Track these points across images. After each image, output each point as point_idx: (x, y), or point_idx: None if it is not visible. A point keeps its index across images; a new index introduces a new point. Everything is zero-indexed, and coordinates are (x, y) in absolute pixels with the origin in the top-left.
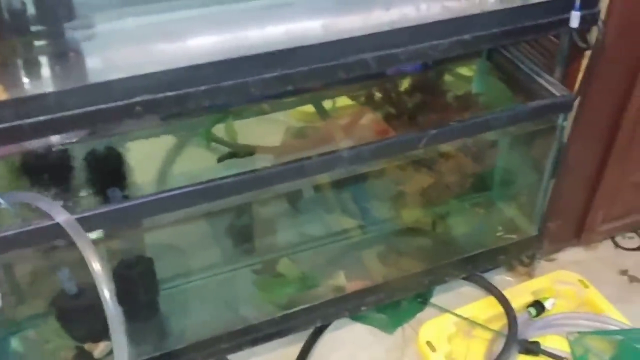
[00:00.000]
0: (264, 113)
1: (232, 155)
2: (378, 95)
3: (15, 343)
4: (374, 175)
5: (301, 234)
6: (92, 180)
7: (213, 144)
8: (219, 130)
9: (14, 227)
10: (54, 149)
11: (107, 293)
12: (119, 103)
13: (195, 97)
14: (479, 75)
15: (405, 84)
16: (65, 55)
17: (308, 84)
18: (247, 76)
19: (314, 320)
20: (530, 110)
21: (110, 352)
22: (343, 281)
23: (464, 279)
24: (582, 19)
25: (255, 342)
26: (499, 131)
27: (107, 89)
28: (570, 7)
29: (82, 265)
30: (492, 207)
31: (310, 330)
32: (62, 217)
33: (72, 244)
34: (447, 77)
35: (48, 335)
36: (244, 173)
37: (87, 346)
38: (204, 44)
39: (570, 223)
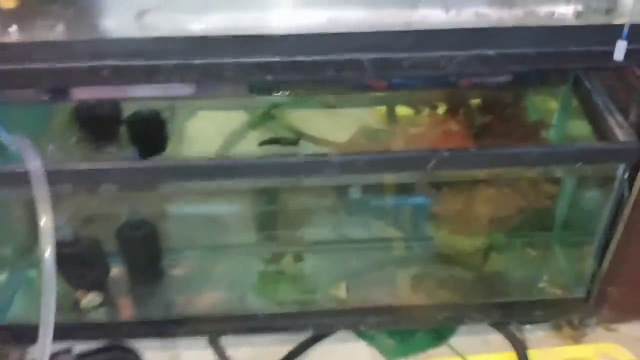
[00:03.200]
0: (334, 106)
1: (274, 141)
2: (457, 107)
3: (32, 275)
4: (443, 193)
5: (325, 235)
6: (130, 138)
7: (276, 128)
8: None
9: None
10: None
11: (47, 252)
12: (84, 64)
13: (164, 71)
14: (561, 105)
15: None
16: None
17: (291, 76)
18: (221, 57)
19: (305, 326)
20: (576, 152)
21: (98, 306)
22: (343, 293)
23: (492, 325)
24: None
25: (238, 330)
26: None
27: (72, 47)
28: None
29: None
30: (547, 251)
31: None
32: (32, 164)
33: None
34: (540, 102)
35: None
36: (215, 159)
37: (77, 294)
38: (200, 18)
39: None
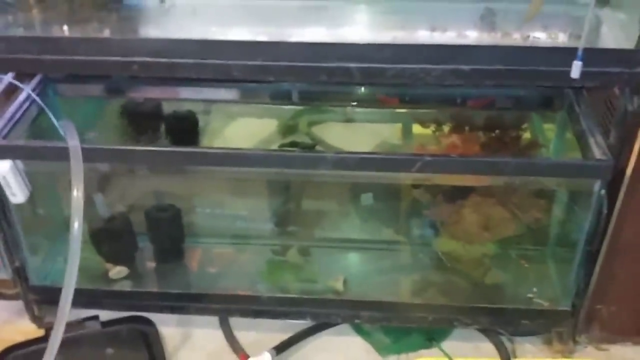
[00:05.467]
0: (353, 120)
1: (293, 144)
2: (464, 126)
3: None
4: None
5: (331, 234)
6: (167, 134)
7: (303, 137)
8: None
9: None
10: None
11: (76, 221)
12: (119, 59)
13: (182, 67)
14: (558, 128)
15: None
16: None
17: (290, 79)
18: (230, 59)
19: (304, 314)
20: (548, 165)
21: (124, 277)
22: (341, 287)
23: (483, 333)
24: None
25: (245, 312)
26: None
27: (109, 44)
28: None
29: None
30: (540, 264)
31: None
32: (71, 142)
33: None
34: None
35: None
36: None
37: (107, 265)
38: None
39: (630, 313)
